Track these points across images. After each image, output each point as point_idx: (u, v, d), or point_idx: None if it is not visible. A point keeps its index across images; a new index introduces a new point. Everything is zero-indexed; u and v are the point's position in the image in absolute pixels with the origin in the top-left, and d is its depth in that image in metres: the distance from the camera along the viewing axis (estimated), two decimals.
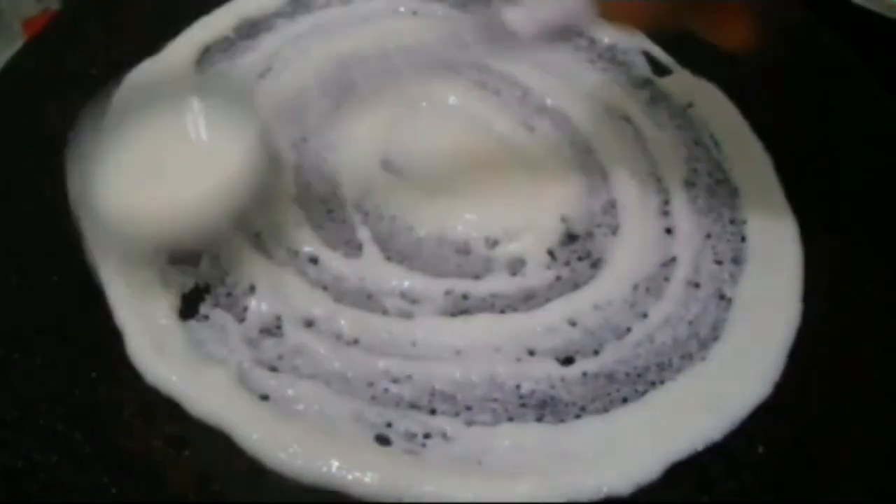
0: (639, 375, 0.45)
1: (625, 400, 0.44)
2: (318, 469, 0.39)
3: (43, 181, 0.49)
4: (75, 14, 0.57)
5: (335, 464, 0.39)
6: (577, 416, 0.43)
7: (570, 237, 0.50)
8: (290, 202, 0.50)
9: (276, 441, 0.40)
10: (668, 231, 0.51)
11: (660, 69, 0.60)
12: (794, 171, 0.53)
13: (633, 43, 0.60)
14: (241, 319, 0.45)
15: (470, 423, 0.42)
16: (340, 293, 0.47)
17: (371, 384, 0.43)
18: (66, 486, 0.39)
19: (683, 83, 0.58)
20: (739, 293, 0.48)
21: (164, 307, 0.45)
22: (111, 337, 0.44)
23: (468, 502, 0.39)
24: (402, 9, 0.61)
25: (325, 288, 0.47)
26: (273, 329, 0.45)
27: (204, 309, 0.46)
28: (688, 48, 0.58)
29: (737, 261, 0.50)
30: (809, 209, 0.51)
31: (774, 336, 0.46)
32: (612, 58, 0.60)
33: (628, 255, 0.50)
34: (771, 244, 0.50)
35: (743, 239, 0.51)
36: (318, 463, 0.39)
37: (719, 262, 0.50)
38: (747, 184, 0.53)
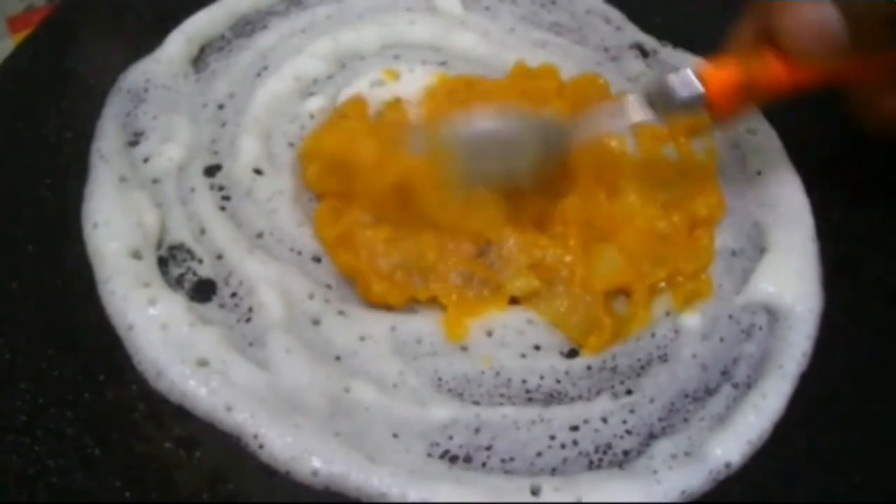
0: (642, 367, 0.46)
1: (629, 392, 0.44)
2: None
3: (41, 183, 0.50)
4: (69, 14, 0.56)
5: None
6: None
7: None
8: (292, 201, 0.50)
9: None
10: None
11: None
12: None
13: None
14: (247, 320, 0.45)
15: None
16: (344, 292, 0.47)
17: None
18: (79, 490, 0.39)
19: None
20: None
21: (170, 308, 0.44)
22: (117, 340, 0.44)
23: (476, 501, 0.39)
24: (398, 4, 0.61)
25: (328, 286, 0.47)
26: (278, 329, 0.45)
27: (209, 310, 0.46)
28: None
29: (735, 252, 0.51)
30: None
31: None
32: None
33: None
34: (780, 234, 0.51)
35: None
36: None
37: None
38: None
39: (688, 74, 0.44)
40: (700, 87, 0.44)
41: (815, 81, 0.45)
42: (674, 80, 0.44)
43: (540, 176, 0.48)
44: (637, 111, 0.46)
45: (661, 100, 0.45)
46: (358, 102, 0.54)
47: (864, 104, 0.46)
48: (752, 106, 0.47)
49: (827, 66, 0.44)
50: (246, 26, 0.59)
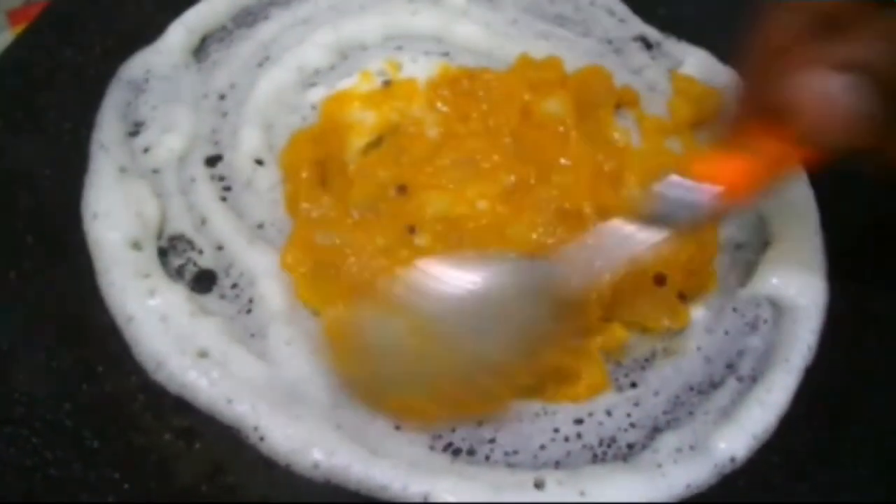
0: (647, 360, 0.45)
1: (633, 385, 0.44)
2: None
3: (40, 174, 0.49)
4: (69, 5, 0.56)
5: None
6: None
7: None
8: None
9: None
10: None
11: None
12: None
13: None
14: (248, 311, 0.45)
15: None
16: None
17: None
18: (77, 482, 0.39)
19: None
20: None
21: (170, 299, 0.44)
22: (117, 331, 0.43)
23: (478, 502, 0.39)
24: None
25: None
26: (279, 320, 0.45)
27: (210, 301, 0.45)
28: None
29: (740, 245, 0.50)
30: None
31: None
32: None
33: None
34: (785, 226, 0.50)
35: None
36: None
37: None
38: None
39: (685, 182, 0.38)
40: (709, 192, 0.37)
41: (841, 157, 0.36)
42: (675, 189, 0.38)
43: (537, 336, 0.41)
44: (645, 232, 0.39)
45: (674, 213, 0.38)
46: (337, 100, 0.53)
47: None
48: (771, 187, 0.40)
49: (856, 147, 0.34)
50: (247, 17, 0.59)
